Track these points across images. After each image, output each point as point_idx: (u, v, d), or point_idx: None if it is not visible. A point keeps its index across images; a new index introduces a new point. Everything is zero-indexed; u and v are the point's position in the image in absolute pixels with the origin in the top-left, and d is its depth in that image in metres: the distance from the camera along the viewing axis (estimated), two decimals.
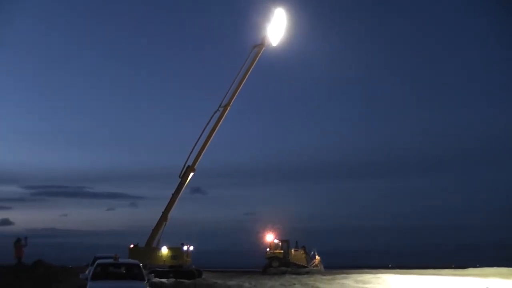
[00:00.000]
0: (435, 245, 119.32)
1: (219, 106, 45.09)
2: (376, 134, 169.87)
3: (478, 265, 54.37)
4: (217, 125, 44.87)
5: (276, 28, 46.39)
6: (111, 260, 17.76)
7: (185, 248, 42.38)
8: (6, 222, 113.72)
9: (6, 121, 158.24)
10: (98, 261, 17.70)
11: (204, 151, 44.49)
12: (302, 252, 54.34)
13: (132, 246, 42.15)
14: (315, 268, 52.00)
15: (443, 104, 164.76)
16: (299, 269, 50.48)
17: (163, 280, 36.10)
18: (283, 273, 47.44)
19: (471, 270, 48.45)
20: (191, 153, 44.16)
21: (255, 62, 46.28)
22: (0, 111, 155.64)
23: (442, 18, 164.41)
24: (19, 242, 30.67)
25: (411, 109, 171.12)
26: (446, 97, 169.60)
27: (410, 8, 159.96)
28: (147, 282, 16.07)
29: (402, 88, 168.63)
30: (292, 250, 53.82)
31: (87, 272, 18.71)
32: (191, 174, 44.12)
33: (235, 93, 45.51)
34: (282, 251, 53.58)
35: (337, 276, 40.41)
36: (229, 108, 45.16)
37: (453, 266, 62.16)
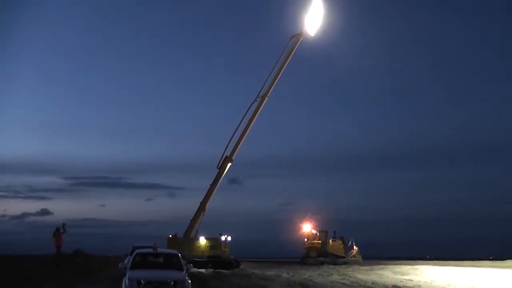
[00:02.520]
0: (474, 237, 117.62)
1: (257, 97, 45.06)
2: (414, 125, 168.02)
3: None
4: (255, 115, 44.84)
5: (314, 18, 46.05)
6: (149, 250, 17.87)
7: (223, 238, 42.63)
8: (45, 212, 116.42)
9: (47, 114, 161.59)
10: (137, 251, 17.84)
11: (242, 142, 44.54)
12: (340, 242, 54.12)
13: (170, 236, 42.56)
14: (353, 258, 51.79)
15: (481, 97, 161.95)
16: (337, 260, 50.36)
17: (202, 270, 36.43)
18: (321, 263, 47.41)
19: (509, 262, 47.61)
20: (228, 144, 44.30)
21: (293, 52, 46.08)
22: (43, 104, 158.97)
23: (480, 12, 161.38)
24: (58, 231, 31.11)
25: (446, 102, 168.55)
26: (484, 91, 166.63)
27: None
28: (185, 272, 16.14)
29: (437, 82, 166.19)
30: (330, 241, 53.64)
31: (126, 261, 18.92)
32: (229, 164, 44.20)
33: (273, 84, 45.40)
34: (320, 241, 53.44)
35: (375, 267, 40.19)
36: (266, 98, 45.08)
37: (491, 258, 61.14)
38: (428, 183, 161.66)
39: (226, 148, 44.30)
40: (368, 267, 39.74)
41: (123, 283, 15.13)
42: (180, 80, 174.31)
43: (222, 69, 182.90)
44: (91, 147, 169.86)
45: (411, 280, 27.55)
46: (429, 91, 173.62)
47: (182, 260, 17.57)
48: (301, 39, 46.16)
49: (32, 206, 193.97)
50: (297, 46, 46.16)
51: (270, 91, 45.30)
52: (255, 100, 44.94)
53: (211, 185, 44.02)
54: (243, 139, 44.56)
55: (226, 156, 44.14)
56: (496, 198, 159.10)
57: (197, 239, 42.41)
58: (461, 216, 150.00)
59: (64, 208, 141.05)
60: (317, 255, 51.87)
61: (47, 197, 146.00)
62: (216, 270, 36.60)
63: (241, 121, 44.54)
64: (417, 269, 35.68)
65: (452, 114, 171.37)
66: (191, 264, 20.55)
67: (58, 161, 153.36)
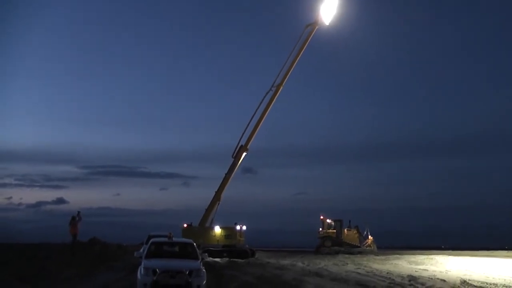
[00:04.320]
0: (489, 226, 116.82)
1: (272, 86, 45.05)
2: (425, 115, 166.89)
3: None
4: (270, 105, 44.84)
5: (329, 7, 45.85)
6: (165, 239, 17.95)
7: (238, 227, 42.70)
8: (61, 201, 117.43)
9: (63, 104, 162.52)
10: (152, 240, 17.92)
11: (256, 131, 44.58)
12: (355, 232, 54.07)
13: (186, 225, 42.73)
14: (368, 248, 51.72)
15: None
16: (352, 249, 50.34)
17: (217, 259, 36.59)
18: (336, 253, 47.41)
19: None
20: (243, 133, 44.38)
21: (308, 41, 45.96)
22: (59, 94, 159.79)
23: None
24: (74, 219, 31.20)
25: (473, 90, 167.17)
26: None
27: None
28: (201, 261, 16.19)
29: (463, 71, 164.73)
30: (345, 230, 53.59)
31: (141, 250, 18.99)
32: (244, 154, 44.27)
33: (288, 73, 45.35)
34: (335, 230, 53.41)
35: (390, 256, 40.15)
36: (281, 88, 45.05)
37: (506, 247, 60.78)
38: (445, 172, 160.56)
39: (241, 137, 44.45)
40: (383, 257, 39.69)
41: (139, 271, 15.22)
42: (196, 68, 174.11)
43: (238, 57, 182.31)
44: (107, 136, 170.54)
45: (426, 270, 27.44)
46: (451, 78, 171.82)
47: (197, 249, 17.64)
48: (316, 27, 46.02)
49: (48, 194, 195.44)
50: (312, 35, 46.04)
51: (286, 80, 45.25)
52: (270, 89, 44.96)
53: (226, 174, 44.17)
54: (258, 128, 44.61)
55: (241, 145, 44.22)
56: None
57: (212, 228, 42.56)
58: (477, 205, 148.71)
59: (80, 197, 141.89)
60: (332, 244, 51.86)
61: (63, 186, 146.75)
62: (231, 259, 36.73)
63: (256, 110, 44.66)
64: (432, 259, 35.55)
65: (467, 104, 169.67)
66: (206, 253, 20.65)
67: (74, 150, 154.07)
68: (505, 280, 21.87)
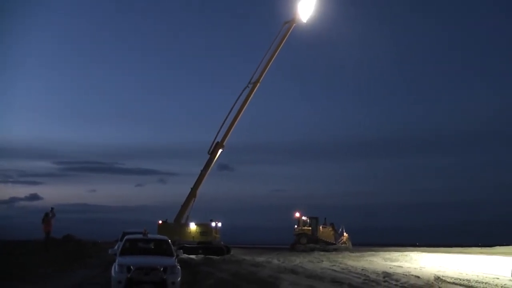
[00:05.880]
0: (463, 222, 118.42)
1: (249, 83, 44.99)
2: (405, 113, 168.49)
3: (505, 244, 53.78)
4: (247, 101, 44.79)
5: (307, 5, 45.92)
6: (140, 236, 17.84)
7: (213, 224, 42.54)
8: (35, 197, 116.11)
9: (39, 98, 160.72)
10: (126, 237, 17.80)
11: (233, 127, 44.49)
12: (330, 229, 54.22)
13: (161, 222, 42.48)
14: (343, 245, 51.89)
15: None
16: (327, 246, 50.48)
17: (192, 256, 36.44)
18: (312, 250, 47.50)
19: (498, 249, 47.89)
20: (220, 129, 44.25)
21: (286, 38, 46.01)
22: (35, 88, 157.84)
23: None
24: (47, 216, 30.76)
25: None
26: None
27: None
28: (175, 258, 16.12)
29: (449, 67, 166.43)
30: (321, 227, 53.72)
31: (116, 247, 18.85)
32: (220, 150, 44.16)
33: (265, 70, 45.31)
34: (310, 228, 53.51)
35: (365, 253, 40.32)
36: (258, 84, 45.01)
37: (480, 244, 61.52)
38: (418, 168, 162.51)
39: (217, 134, 44.32)
40: (358, 254, 39.87)
41: (113, 268, 15.09)
42: (173, 65, 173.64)
43: (215, 54, 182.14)
44: (83, 132, 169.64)
45: (401, 267, 27.63)
46: (436, 72, 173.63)
47: (172, 246, 17.55)
48: (294, 25, 46.08)
49: (22, 190, 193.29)
50: (290, 32, 46.09)
51: (263, 76, 45.22)
52: (247, 85, 44.89)
53: (202, 171, 44.01)
54: (235, 124, 44.53)
55: (217, 142, 44.10)
56: (487, 183, 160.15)
57: (188, 225, 42.36)
58: (451, 202, 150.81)
59: (55, 193, 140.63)
60: (307, 241, 51.94)
61: (38, 182, 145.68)
62: (207, 256, 36.59)
63: (233, 106, 44.55)
64: (406, 255, 35.80)
65: (448, 101, 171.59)
66: (181, 250, 20.53)
67: (50, 145, 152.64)
68: (477, 276, 22.12)
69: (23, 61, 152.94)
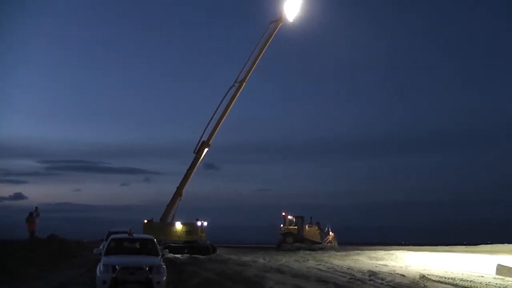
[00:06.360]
0: (448, 221, 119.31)
1: (235, 82, 45.00)
2: (384, 113, 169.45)
3: (489, 242, 54.24)
4: (233, 100, 44.80)
5: (293, 4, 45.99)
6: (125, 235, 17.74)
7: (199, 223, 42.47)
8: (19, 196, 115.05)
9: (24, 97, 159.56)
10: (112, 236, 17.72)
11: (219, 127, 44.49)
12: (316, 228, 54.26)
13: (146, 221, 42.33)
14: (329, 244, 51.97)
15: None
16: (313, 245, 50.51)
17: (178, 255, 36.35)
18: (297, 249, 47.52)
19: (483, 247, 48.30)
20: (206, 128, 44.23)
21: (272, 37, 46.06)
22: (18, 87, 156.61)
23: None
24: (31, 215, 30.49)
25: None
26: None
27: None
28: (161, 258, 16.06)
29: (434, 68, 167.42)
30: (306, 226, 53.74)
31: (101, 246, 18.73)
32: (206, 150, 44.14)
33: (251, 69, 45.33)
34: (296, 227, 53.53)
35: (351, 252, 40.42)
36: (244, 83, 45.04)
37: (465, 243, 61.99)
38: (404, 168, 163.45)
39: (203, 133, 44.28)
40: (344, 253, 39.95)
41: (98, 268, 14.99)
42: (159, 64, 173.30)
43: (201, 53, 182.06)
44: (68, 131, 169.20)
45: (386, 265, 27.73)
46: (419, 76, 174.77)
47: (157, 245, 17.47)
48: (280, 24, 46.12)
49: (6, 190, 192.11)
50: (276, 31, 46.13)
51: (249, 76, 45.23)
52: (233, 85, 44.89)
53: (187, 170, 43.97)
54: (221, 124, 44.50)
55: (203, 141, 44.05)
56: (472, 183, 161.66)
57: (173, 224, 42.27)
58: (436, 202, 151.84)
59: (39, 192, 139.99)
60: (293, 240, 51.97)
61: (22, 181, 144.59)
62: (192, 255, 36.49)
63: (219, 106, 44.54)
64: (392, 254, 35.95)
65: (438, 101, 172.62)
66: (166, 250, 20.48)
67: (35, 144, 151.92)
68: (463, 274, 22.25)
69: (3, 60, 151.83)
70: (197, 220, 42.71)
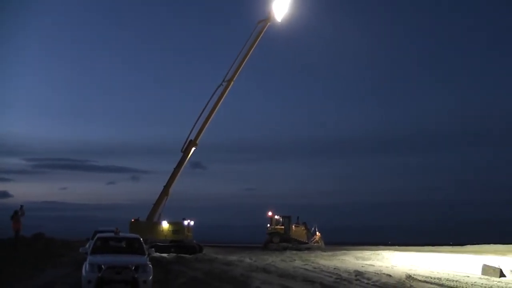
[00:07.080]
0: (435, 221, 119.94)
1: (223, 81, 44.90)
2: (368, 113, 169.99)
3: (475, 242, 54.58)
4: (220, 99, 44.68)
5: (281, 4, 45.98)
6: (111, 234, 17.66)
7: (186, 222, 42.30)
8: (5, 194, 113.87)
9: (10, 94, 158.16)
10: (98, 235, 17.60)
11: (206, 125, 44.36)
12: (303, 228, 54.26)
13: (133, 220, 42.13)
14: (315, 244, 51.98)
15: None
16: (300, 245, 50.50)
17: (164, 254, 36.22)
18: (284, 249, 47.51)
19: (468, 247, 48.64)
20: (193, 127, 44.08)
21: (260, 37, 45.99)
22: (4, 84, 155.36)
23: None
24: (16, 214, 30.15)
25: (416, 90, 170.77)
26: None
27: None
28: (147, 257, 15.99)
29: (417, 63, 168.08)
30: (293, 226, 53.72)
31: (87, 245, 18.60)
32: (193, 148, 44.01)
33: (239, 68, 45.23)
34: (283, 227, 53.49)
35: (337, 252, 40.49)
36: (232, 82, 44.95)
37: (451, 243, 62.34)
38: (389, 167, 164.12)
39: (190, 132, 44.14)
40: (330, 253, 40.02)
41: (84, 267, 14.88)
42: (146, 62, 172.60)
43: (188, 51, 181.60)
44: (54, 129, 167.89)
45: (373, 265, 27.85)
46: (408, 72, 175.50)
47: (144, 244, 17.39)
48: (268, 24, 46.07)
49: None
50: (264, 31, 46.06)
51: (237, 75, 45.15)
52: (221, 84, 44.80)
53: (174, 169, 43.83)
54: (208, 123, 44.39)
55: (191, 140, 43.94)
56: (458, 183, 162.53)
57: (160, 223, 42.08)
58: (422, 202, 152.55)
59: (25, 191, 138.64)
60: (279, 240, 51.94)
61: (7, 179, 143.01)
62: (179, 254, 36.37)
63: (207, 104, 44.39)
64: (378, 254, 36.06)
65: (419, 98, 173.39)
66: (153, 249, 20.39)
67: (20, 142, 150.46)
68: (448, 274, 22.43)
69: None
70: (184, 219, 42.54)
